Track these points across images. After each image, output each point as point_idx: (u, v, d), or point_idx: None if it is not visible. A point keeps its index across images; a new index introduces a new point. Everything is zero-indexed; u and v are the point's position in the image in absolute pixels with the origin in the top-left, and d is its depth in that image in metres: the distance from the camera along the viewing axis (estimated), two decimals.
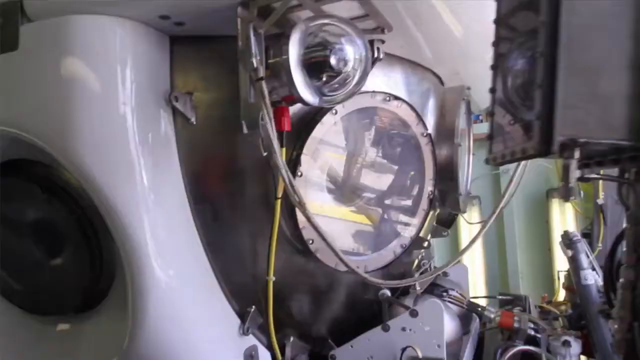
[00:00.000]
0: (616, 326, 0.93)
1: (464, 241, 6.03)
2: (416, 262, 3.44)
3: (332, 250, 1.91)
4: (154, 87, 2.13)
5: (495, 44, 1.06)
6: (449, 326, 2.98)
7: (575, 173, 0.88)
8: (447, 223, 3.62)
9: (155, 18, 2.05)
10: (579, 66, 0.86)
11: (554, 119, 0.83)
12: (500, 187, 5.84)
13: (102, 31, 2.01)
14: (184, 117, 2.21)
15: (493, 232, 5.87)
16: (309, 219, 1.83)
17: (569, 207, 5.68)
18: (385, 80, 2.60)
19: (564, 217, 5.72)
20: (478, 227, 6.07)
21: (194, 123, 2.23)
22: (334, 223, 2.43)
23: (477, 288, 5.84)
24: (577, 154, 0.88)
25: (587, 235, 4.91)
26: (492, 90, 1.00)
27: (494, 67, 1.03)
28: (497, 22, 1.05)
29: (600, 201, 4.76)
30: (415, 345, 2.65)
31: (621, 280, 0.91)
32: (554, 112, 0.83)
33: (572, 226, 5.77)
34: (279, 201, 2.15)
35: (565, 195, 0.89)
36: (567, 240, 3.18)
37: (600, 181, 4.49)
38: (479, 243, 6.01)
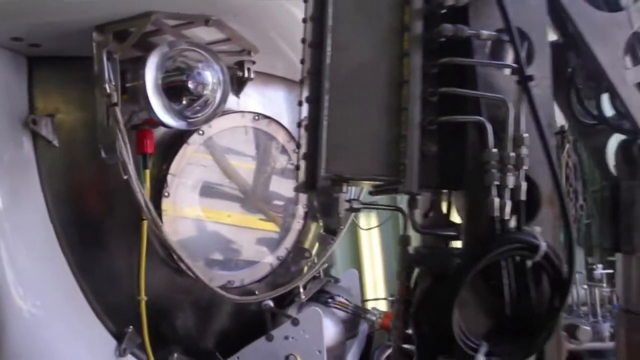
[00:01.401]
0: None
1: (364, 246, 6.29)
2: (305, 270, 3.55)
3: (188, 268, 1.97)
4: (8, 109, 2.08)
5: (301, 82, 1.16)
6: (332, 331, 3.11)
7: (344, 204, 1.02)
8: (334, 231, 3.77)
9: (7, 40, 2.00)
10: (343, 111, 0.99)
11: (318, 159, 0.95)
12: None
13: None
14: (45, 140, 2.17)
15: (390, 235, 6.18)
16: (164, 241, 1.87)
17: None
18: (260, 99, 2.70)
19: None
20: (376, 231, 6.33)
21: (57, 145, 2.19)
22: (208, 239, 2.48)
23: (377, 290, 6.12)
24: (344, 189, 1.01)
25: None
26: (298, 125, 1.10)
27: (299, 104, 1.13)
28: (301, 62, 1.15)
29: None
30: (297, 353, 2.76)
31: (397, 295, 1.06)
32: (318, 153, 0.95)
33: None
34: (145, 222, 2.17)
35: (336, 224, 1.01)
36: None
37: None
38: (378, 246, 6.28)
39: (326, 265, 3.84)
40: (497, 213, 0.97)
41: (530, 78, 0.96)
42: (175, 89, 2.03)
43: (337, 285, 3.75)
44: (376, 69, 1.00)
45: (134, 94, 1.98)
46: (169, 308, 2.66)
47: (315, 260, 3.47)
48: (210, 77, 2.05)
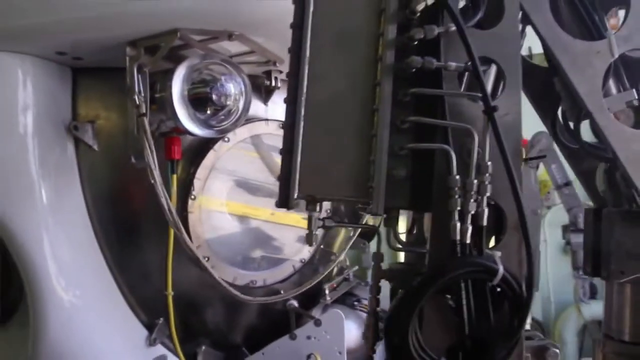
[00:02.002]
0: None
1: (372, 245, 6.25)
2: (332, 272, 3.63)
3: (207, 270, 2.10)
4: (54, 115, 2.29)
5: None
6: (355, 334, 3.18)
7: (317, 222, 1.09)
8: (367, 236, 3.83)
9: (53, 54, 2.20)
10: (317, 137, 1.06)
11: (291, 181, 1.03)
12: None
13: (2, 66, 2.16)
14: (86, 144, 2.37)
15: None
16: (185, 243, 2.01)
17: None
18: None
19: None
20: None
21: (96, 149, 2.39)
22: (233, 239, 2.62)
23: None
24: (318, 208, 1.08)
25: None
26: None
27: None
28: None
29: None
30: (317, 353, 2.86)
31: (368, 308, 1.13)
32: (292, 175, 1.03)
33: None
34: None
35: (309, 241, 1.09)
36: None
37: None
38: None
39: (356, 267, 3.92)
40: (458, 237, 1.02)
41: (494, 109, 1.00)
42: (200, 100, 2.17)
43: (367, 288, 3.81)
44: (350, 98, 1.07)
45: (162, 104, 2.13)
46: (197, 303, 2.82)
47: (347, 263, 3.57)
48: (233, 88, 2.17)
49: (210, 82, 2.16)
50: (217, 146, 2.41)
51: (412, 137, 1.08)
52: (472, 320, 1.03)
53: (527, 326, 1.13)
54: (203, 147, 2.44)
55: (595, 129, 1.13)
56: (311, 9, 1.04)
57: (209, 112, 2.20)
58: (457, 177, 1.02)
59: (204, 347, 2.97)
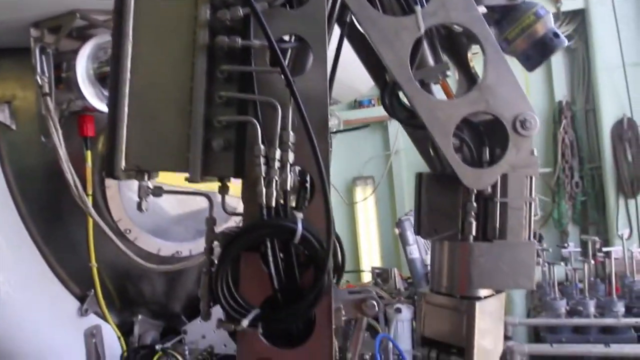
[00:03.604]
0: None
1: (360, 216, 6.44)
2: None
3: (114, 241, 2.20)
4: None
5: None
6: None
7: (147, 190, 1.20)
8: None
9: None
10: (141, 114, 1.15)
11: (116, 154, 1.13)
12: (392, 167, 6.26)
13: None
14: (3, 124, 2.44)
15: (387, 208, 6.31)
16: (90, 215, 2.11)
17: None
18: None
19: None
20: (372, 203, 6.44)
21: (14, 129, 2.46)
22: (156, 211, 2.72)
23: (373, 261, 6.29)
24: (146, 177, 1.18)
25: None
26: None
27: None
28: None
29: None
30: None
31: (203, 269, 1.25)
32: (116, 148, 1.13)
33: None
34: (90, 197, 2.42)
35: (139, 208, 1.20)
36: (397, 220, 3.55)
37: None
38: (374, 219, 6.44)
39: None
40: (263, 201, 1.12)
41: (292, 82, 1.09)
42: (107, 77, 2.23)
43: None
44: (171, 76, 1.16)
45: (68, 84, 2.20)
46: (132, 274, 2.93)
47: None
48: None
49: None
50: None
51: (231, 110, 1.17)
52: (281, 275, 1.15)
53: None
54: None
55: (407, 98, 1.23)
56: None
57: None
58: (262, 146, 1.12)
59: (140, 317, 3.10)
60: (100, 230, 2.50)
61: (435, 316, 1.31)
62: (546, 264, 3.96)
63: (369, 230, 6.42)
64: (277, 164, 1.12)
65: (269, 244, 1.13)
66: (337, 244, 1.32)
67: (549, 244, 4.76)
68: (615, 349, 3.18)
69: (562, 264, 4.12)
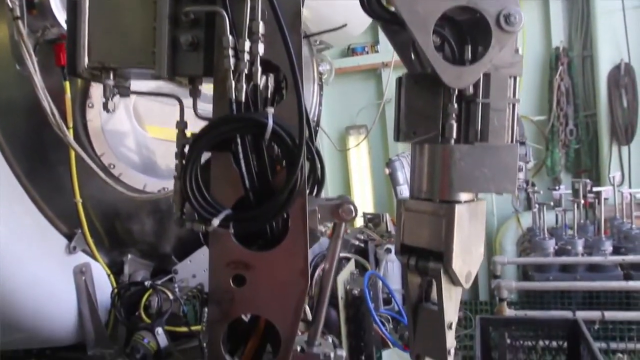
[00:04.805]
0: None
1: (353, 164, 6.42)
2: None
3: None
4: None
5: None
6: None
7: (112, 90, 1.14)
8: None
9: None
10: (102, 6, 1.09)
11: (78, 50, 1.07)
12: (385, 117, 6.19)
13: None
14: None
15: (380, 155, 6.27)
16: (72, 146, 2.06)
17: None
18: None
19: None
20: (365, 151, 6.41)
21: None
22: (141, 147, 2.67)
23: (366, 208, 6.30)
24: (110, 76, 1.13)
25: None
26: None
27: None
28: None
29: None
30: None
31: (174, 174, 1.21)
32: (78, 44, 1.07)
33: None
34: (71, 130, 2.36)
35: (105, 107, 1.15)
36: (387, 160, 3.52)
37: None
38: (367, 167, 6.42)
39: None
40: (233, 95, 1.07)
41: None
42: None
43: None
44: None
45: (42, 9, 2.11)
46: (119, 212, 2.91)
47: None
48: None
49: None
50: None
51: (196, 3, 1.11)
52: (253, 174, 1.11)
53: None
54: None
55: None
56: None
57: None
58: (230, 37, 1.06)
59: (130, 256, 3.11)
60: (84, 167, 2.45)
61: (415, 223, 1.29)
62: (536, 205, 3.96)
63: (362, 178, 6.42)
64: (246, 57, 1.06)
65: (239, 141, 1.09)
66: (317, 159, 1.28)
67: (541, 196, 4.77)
68: (600, 284, 3.22)
69: (552, 203, 4.12)
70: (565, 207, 3.99)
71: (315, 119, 4.03)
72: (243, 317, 1.31)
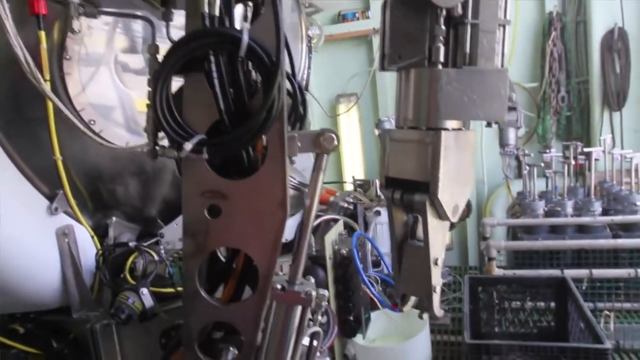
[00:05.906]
0: None
1: (343, 131, 6.35)
2: None
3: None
4: None
5: None
6: None
7: (77, 8, 1.07)
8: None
9: None
10: None
11: None
12: (376, 84, 6.10)
13: None
14: None
15: (370, 123, 6.20)
16: (47, 96, 1.98)
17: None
18: None
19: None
20: (356, 119, 6.34)
21: None
22: (124, 103, 2.59)
23: (356, 173, 6.24)
24: None
25: None
26: None
27: None
28: None
29: None
30: None
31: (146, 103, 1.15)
32: None
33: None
34: (48, 83, 2.27)
35: (72, 29, 1.08)
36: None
37: None
38: (357, 132, 6.36)
39: None
40: (206, 8, 1.00)
41: None
42: None
43: (293, 167, 3.88)
44: None
45: None
46: (102, 173, 2.84)
47: None
48: None
49: None
50: None
51: None
52: (227, 96, 1.05)
53: None
54: None
55: None
56: None
57: None
58: None
59: (114, 219, 3.04)
60: (66, 127, 2.37)
61: (400, 153, 1.24)
62: (527, 167, 3.94)
63: (352, 145, 6.37)
64: None
65: (212, 59, 1.02)
66: (299, 92, 1.22)
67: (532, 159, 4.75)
68: (588, 242, 3.21)
69: (542, 164, 4.09)
70: (555, 169, 3.97)
71: (304, 83, 3.95)
72: (221, 257, 1.26)
